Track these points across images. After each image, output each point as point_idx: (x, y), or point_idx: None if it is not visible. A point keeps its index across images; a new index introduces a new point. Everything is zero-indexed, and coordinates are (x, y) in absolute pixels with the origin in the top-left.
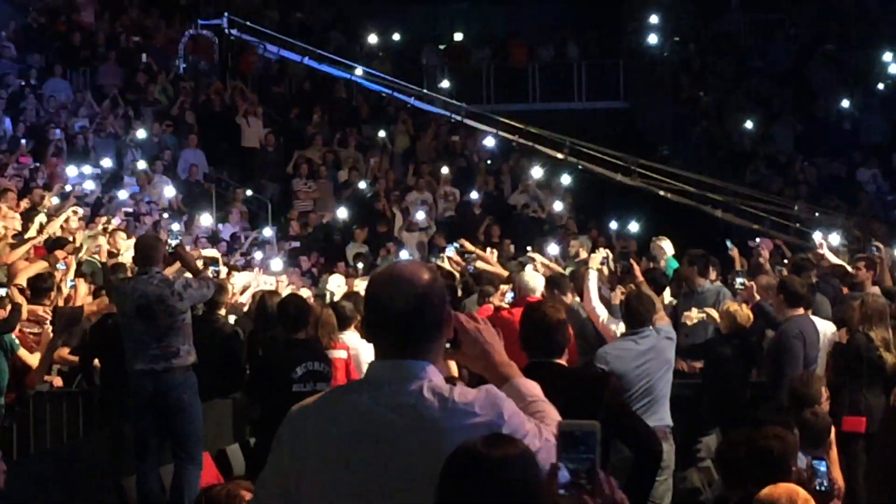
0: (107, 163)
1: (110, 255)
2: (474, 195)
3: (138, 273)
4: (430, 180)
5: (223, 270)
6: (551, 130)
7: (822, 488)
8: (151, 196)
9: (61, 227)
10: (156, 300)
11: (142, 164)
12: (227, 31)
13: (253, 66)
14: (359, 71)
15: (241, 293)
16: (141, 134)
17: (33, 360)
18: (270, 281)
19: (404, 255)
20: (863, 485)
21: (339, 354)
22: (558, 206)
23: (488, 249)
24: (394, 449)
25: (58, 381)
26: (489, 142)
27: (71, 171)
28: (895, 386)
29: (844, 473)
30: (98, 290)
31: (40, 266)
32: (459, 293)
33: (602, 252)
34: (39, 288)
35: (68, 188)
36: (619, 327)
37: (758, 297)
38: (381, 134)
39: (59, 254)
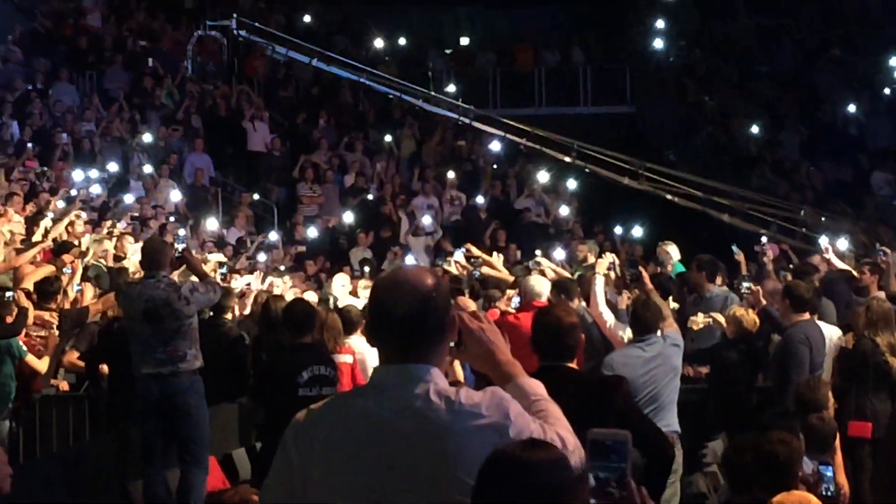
0: (113, 167)
1: (117, 259)
2: (480, 199)
3: (145, 277)
4: (436, 185)
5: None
6: (557, 135)
7: (829, 493)
8: (157, 200)
9: (67, 231)
10: (162, 304)
11: (148, 168)
12: (235, 32)
13: (259, 71)
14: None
15: (240, 297)
16: (147, 138)
17: (41, 365)
18: (277, 282)
19: (410, 259)
20: (868, 490)
21: (344, 359)
22: (564, 210)
23: (494, 254)
24: (401, 452)
25: (64, 385)
26: (495, 146)
27: (77, 175)
28: None
29: (850, 478)
30: (104, 294)
31: (47, 270)
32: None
33: (609, 257)
34: (46, 292)
35: (74, 192)
36: (626, 332)
37: (764, 302)
38: (388, 138)
39: (66, 258)
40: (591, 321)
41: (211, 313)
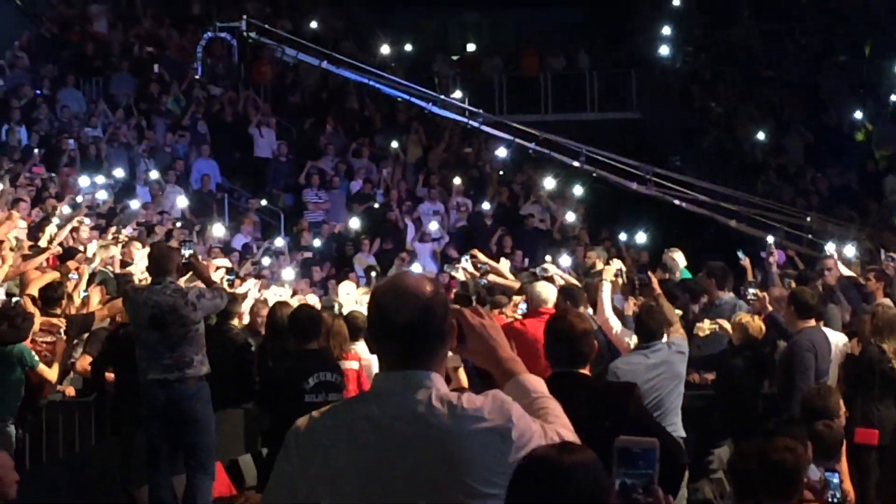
0: (119, 173)
1: (124, 264)
2: (486, 206)
3: (152, 283)
4: (442, 190)
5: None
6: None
7: (835, 500)
8: (164, 206)
9: (72, 237)
10: (169, 310)
11: (154, 174)
12: (245, 33)
13: (266, 77)
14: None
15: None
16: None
17: (52, 375)
18: (279, 291)
19: (417, 266)
20: (875, 497)
21: (350, 365)
22: (571, 216)
23: (501, 260)
24: (405, 458)
25: (70, 391)
26: (501, 152)
27: (83, 181)
28: None
29: (856, 485)
30: (111, 299)
31: (51, 276)
32: (474, 304)
33: (616, 263)
34: (50, 297)
35: (80, 198)
36: (633, 339)
37: (770, 309)
38: (394, 144)
39: (71, 264)
40: (596, 328)
41: (217, 319)
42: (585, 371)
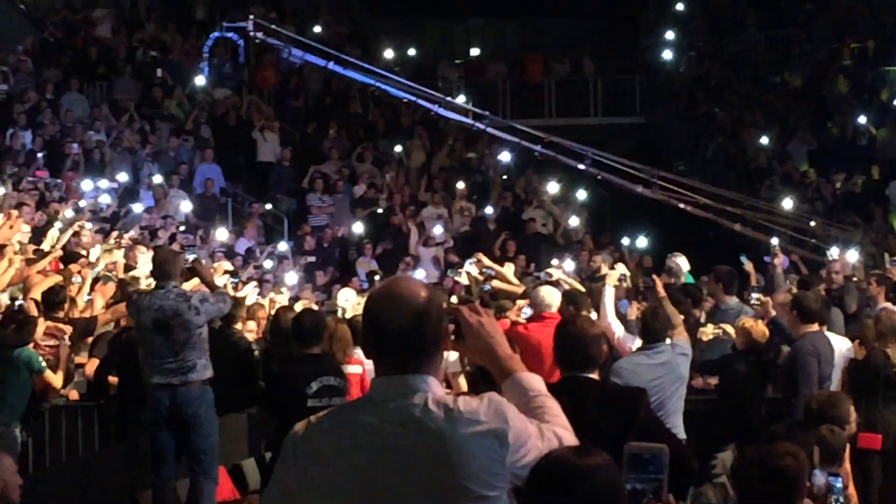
0: (123, 177)
1: (128, 268)
2: (489, 210)
3: (155, 287)
4: (446, 195)
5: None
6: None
7: None
8: (167, 210)
9: (77, 241)
10: (173, 314)
11: (158, 179)
12: (252, 33)
13: (269, 81)
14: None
15: None
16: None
17: (57, 381)
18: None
19: (421, 272)
20: (878, 501)
21: (353, 370)
22: (574, 221)
23: (507, 264)
24: (403, 462)
25: (74, 395)
26: (505, 156)
27: (86, 185)
28: None
29: (860, 490)
30: (114, 303)
31: (55, 280)
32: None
33: (620, 268)
34: (51, 302)
35: (83, 203)
36: (636, 343)
37: (773, 313)
38: (398, 149)
39: (74, 268)
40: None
41: (221, 323)
42: (595, 375)
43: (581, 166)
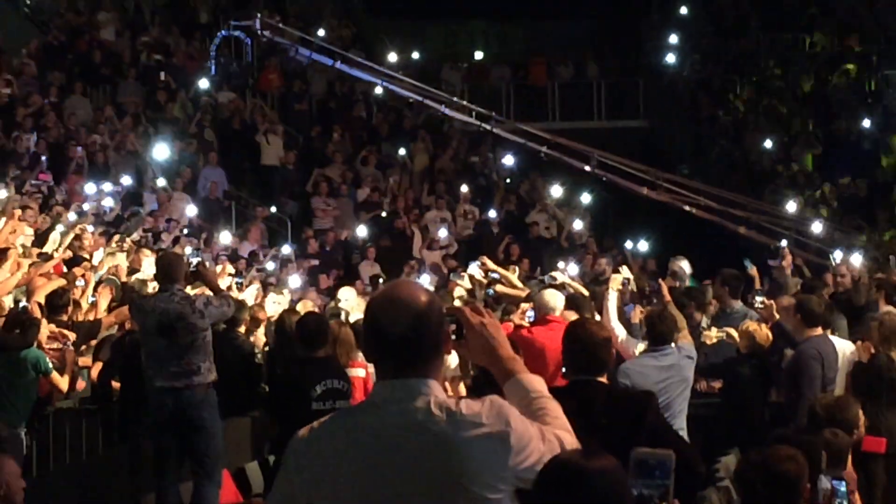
0: (126, 180)
1: (132, 272)
2: (493, 214)
3: (159, 290)
4: (449, 199)
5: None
6: (571, 150)
7: None
8: (171, 214)
9: (79, 245)
10: (176, 318)
11: (161, 182)
12: (259, 31)
13: (273, 85)
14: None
15: None
16: (162, 153)
17: (63, 384)
18: (277, 299)
19: (426, 277)
20: None
21: (357, 373)
22: (578, 224)
23: (511, 268)
24: (406, 466)
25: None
26: (508, 160)
27: (90, 188)
28: None
29: (863, 494)
30: (117, 306)
31: (58, 283)
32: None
33: (624, 272)
34: (55, 305)
35: (86, 206)
36: (638, 347)
37: (777, 317)
38: (401, 152)
39: (78, 271)
40: None
41: (224, 326)
42: (603, 379)
43: (587, 168)
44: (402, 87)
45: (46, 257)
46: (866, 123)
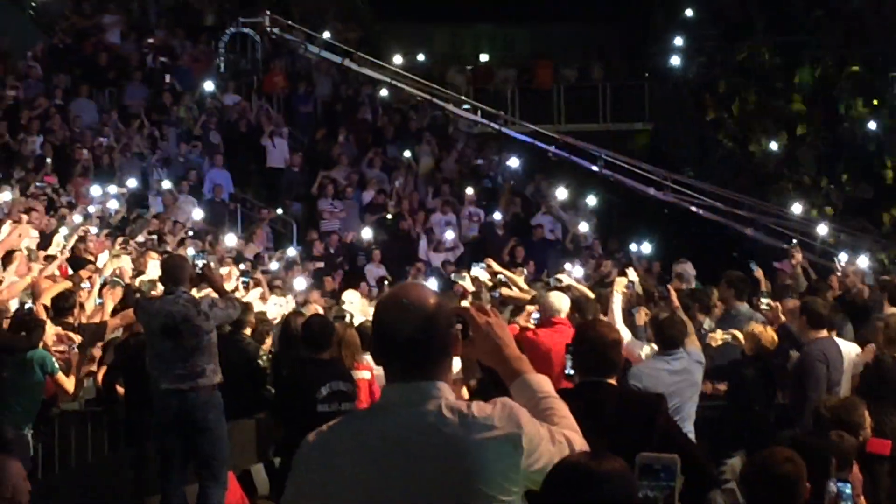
0: (132, 183)
1: (138, 274)
2: (497, 216)
3: (165, 293)
4: (454, 201)
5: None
6: (576, 152)
7: None
8: (177, 216)
9: (84, 247)
10: (182, 320)
11: (167, 184)
12: (268, 28)
13: (278, 87)
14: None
15: None
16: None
17: (69, 385)
18: (279, 301)
19: (433, 280)
20: None
21: (362, 375)
22: (583, 227)
23: (517, 270)
24: (418, 469)
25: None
26: (513, 162)
27: (95, 190)
28: None
29: (868, 495)
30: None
31: (64, 285)
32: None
33: (630, 274)
34: (61, 308)
35: (92, 209)
36: (644, 350)
37: (783, 319)
38: (406, 154)
39: (83, 273)
40: None
41: (230, 328)
42: (613, 381)
43: (594, 168)
44: (410, 86)
45: (51, 260)
46: (872, 125)
